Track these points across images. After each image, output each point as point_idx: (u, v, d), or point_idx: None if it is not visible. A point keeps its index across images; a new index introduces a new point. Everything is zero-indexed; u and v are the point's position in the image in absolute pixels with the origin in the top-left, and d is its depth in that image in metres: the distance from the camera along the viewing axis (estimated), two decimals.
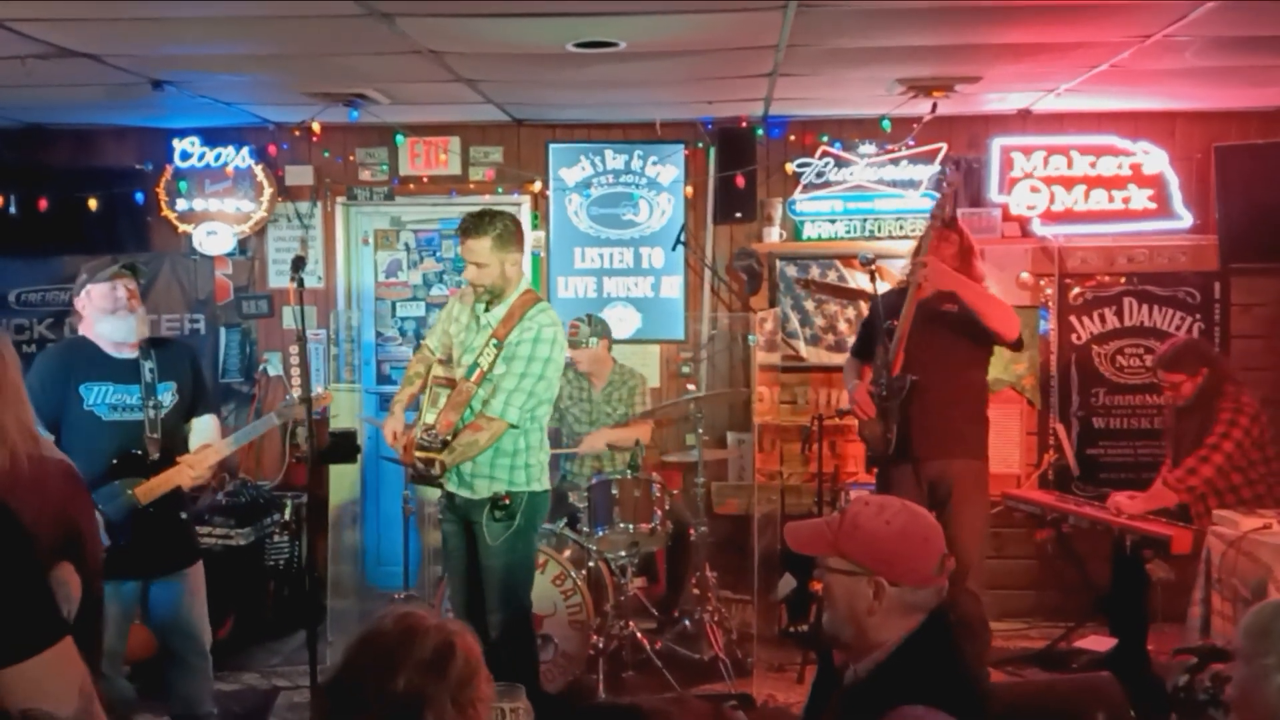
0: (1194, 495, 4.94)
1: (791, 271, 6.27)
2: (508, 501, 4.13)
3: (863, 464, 5.85)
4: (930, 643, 2.17)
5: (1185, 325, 6.05)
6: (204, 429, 4.11)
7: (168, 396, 3.97)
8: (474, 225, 4.07)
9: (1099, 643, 5.49)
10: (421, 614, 1.90)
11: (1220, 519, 4.55)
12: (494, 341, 4.13)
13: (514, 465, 4.17)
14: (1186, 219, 6.04)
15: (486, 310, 4.20)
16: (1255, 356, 5.97)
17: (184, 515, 4.06)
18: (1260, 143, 5.96)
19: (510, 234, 4.12)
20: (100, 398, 3.86)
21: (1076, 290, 6.19)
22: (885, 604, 2.18)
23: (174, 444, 3.97)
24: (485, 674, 1.88)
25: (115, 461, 3.80)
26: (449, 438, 4.04)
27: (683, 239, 6.35)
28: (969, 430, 4.72)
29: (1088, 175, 6.08)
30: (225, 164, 6.37)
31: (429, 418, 4.12)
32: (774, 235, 6.26)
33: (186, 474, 3.91)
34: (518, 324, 4.14)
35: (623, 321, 6.41)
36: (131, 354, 3.92)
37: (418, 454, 4.05)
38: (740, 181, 6.19)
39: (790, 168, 6.27)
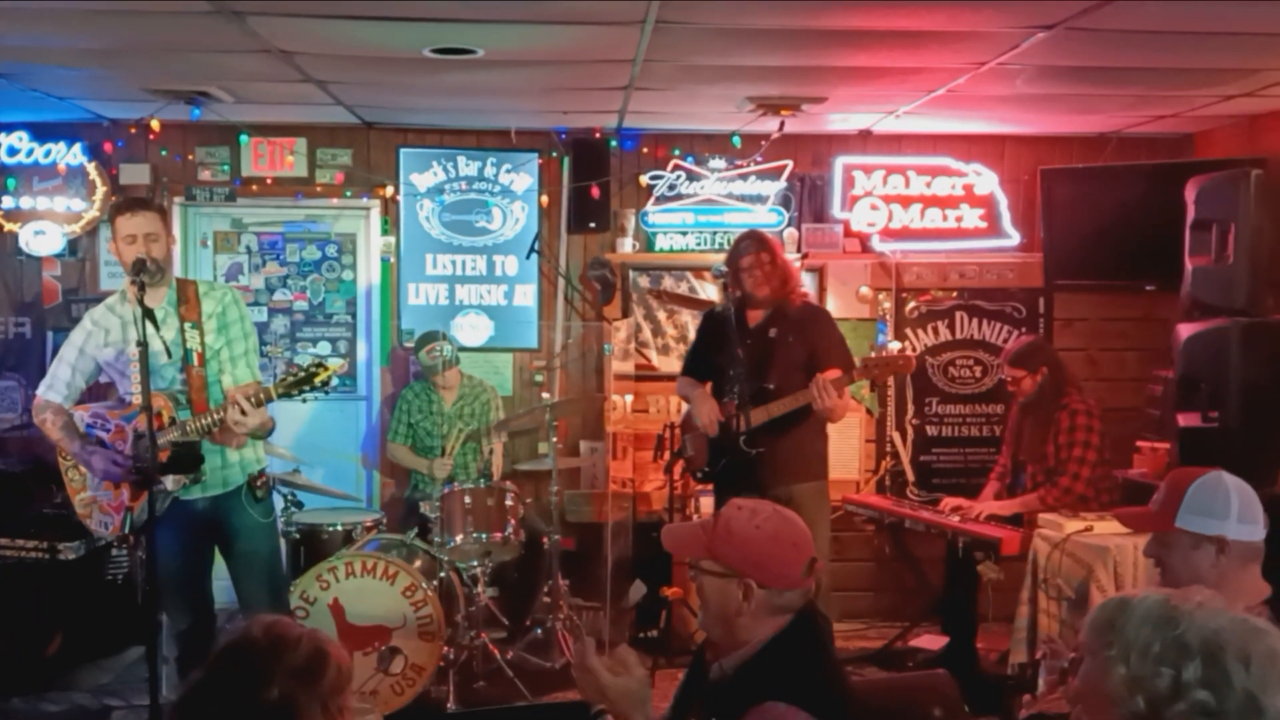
0: (1072, 498, 5.06)
1: (644, 282, 6.36)
2: (264, 479, 4.21)
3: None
4: (795, 642, 2.24)
5: (1012, 338, 6.35)
6: None
7: None
8: (137, 203, 4.15)
9: (932, 641, 5.72)
10: (288, 622, 1.90)
11: (1045, 522, 4.81)
12: (189, 324, 4.07)
13: (253, 442, 4.22)
14: (1014, 238, 6.37)
15: (144, 307, 3.83)
16: (1076, 368, 6.27)
17: None
18: (1082, 167, 6.30)
19: (166, 213, 4.20)
20: None
21: (912, 304, 6.45)
22: (754, 605, 2.25)
23: None
24: (351, 684, 1.88)
25: None
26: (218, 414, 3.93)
27: (537, 247, 6.36)
28: (813, 454, 4.81)
29: (924, 194, 6.35)
30: (56, 161, 6.08)
31: (182, 415, 3.98)
32: (627, 246, 6.33)
33: None
34: (203, 298, 4.13)
35: (475, 329, 6.38)
36: None
37: (244, 409, 3.83)
38: (595, 192, 6.24)
39: (643, 180, 6.36)
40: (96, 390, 4.44)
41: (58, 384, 4.15)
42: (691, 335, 6.37)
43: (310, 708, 1.74)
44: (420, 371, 6.01)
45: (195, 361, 4.04)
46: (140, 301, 3.73)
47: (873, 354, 4.94)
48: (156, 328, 3.94)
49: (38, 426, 4.20)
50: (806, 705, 2.06)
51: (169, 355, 4.03)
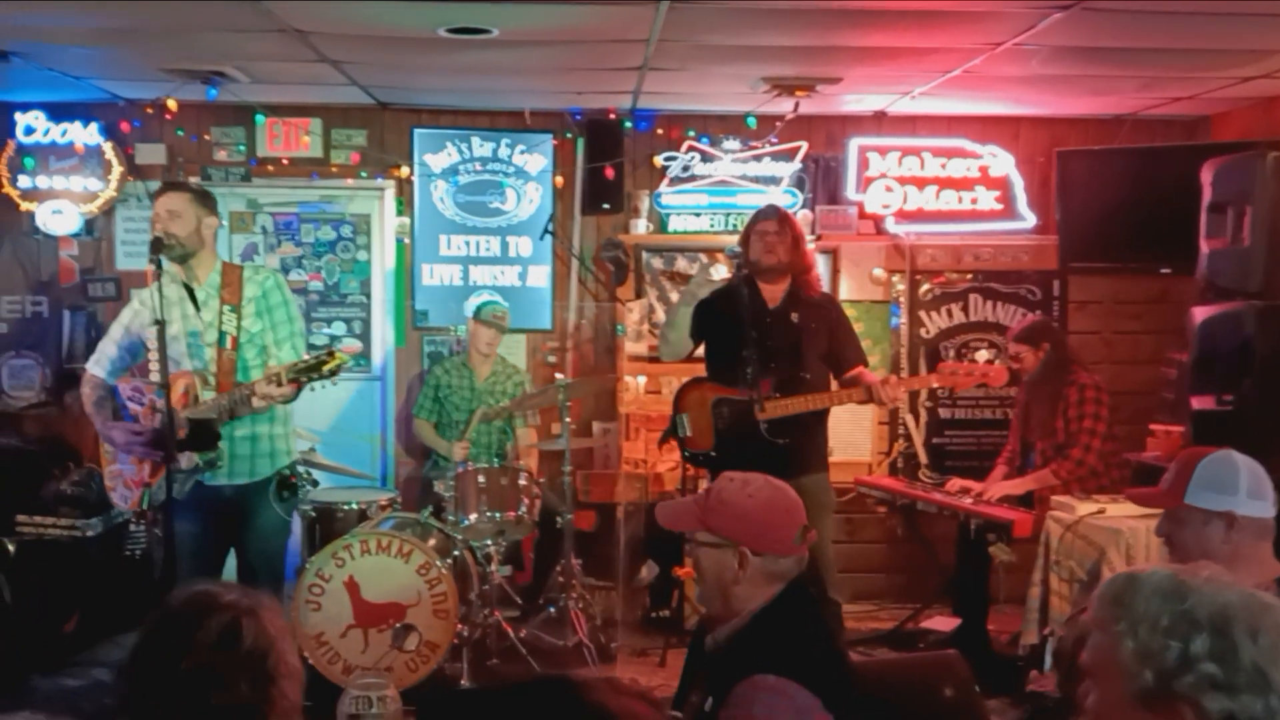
0: (1084, 470, 5.09)
1: (657, 263, 6.36)
2: (294, 480, 4.23)
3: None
4: (786, 613, 2.27)
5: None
6: None
7: None
8: (167, 185, 4.28)
9: (944, 623, 5.74)
10: (214, 592, 1.86)
11: (1058, 504, 4.81)
12: (228, 307, 4.09)
13: (287, 433, 4.25)
14: (1029, 220, 6.35)
15: (161, 288, 3.87)
16: (1090, 350, 6.28)
17: None
18: (1098, 149, 6.26)
19: (208, 198, 4.22)
20: None
21: (926, 286, 6.44)
22: (750, 573, 2.29)
23: None
24: (288, 647, 1.84)
25: None
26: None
27: (550, 229, 6.36)
28: (823, 444, 4.79)
29: (939, 176, 6.33)
30: (72, 140, 6.10)
31: (207, 395, 4.01)
32: (641, 227, 6.33)
33: None
34: (246, 282, 4.15)
35: None
36: None
37: (280, 381, 3.85)
38: (609, 173, 6.24)
39: (657, 160, 6.36)
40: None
41: (103, 359, 4.24)
42: None
43: (235, 675, 1.74)
44: (436, 352, 6.03)
45: (228, 345, 4.06)
46: (159, 281, 3.78)
47: (956, 363, 4.96)
48: (197, 308, 4.03)
49: (82, 399, 4.28)
50: (798, 676, 2.08)
51: (205, 337, 4.09)
